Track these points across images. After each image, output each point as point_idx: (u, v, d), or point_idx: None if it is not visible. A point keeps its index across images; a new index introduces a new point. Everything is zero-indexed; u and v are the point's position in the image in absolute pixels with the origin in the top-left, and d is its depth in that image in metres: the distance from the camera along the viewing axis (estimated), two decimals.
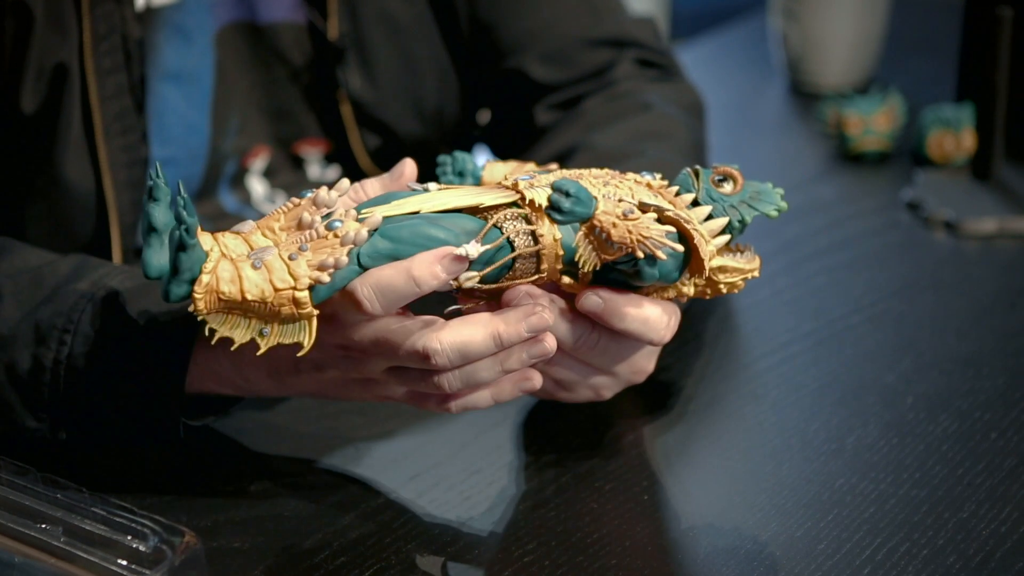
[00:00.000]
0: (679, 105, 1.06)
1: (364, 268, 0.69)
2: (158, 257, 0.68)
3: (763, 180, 0.78)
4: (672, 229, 0.72)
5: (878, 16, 1.47)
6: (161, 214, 0.68)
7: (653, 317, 0.75)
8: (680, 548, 0.75)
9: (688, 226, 0.73)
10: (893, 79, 1.45)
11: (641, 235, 0.71)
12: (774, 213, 0.76)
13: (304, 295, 0.68)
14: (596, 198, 0.72)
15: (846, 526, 0.77)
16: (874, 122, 1.29)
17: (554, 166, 0.80)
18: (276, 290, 0.68)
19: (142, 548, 0.68)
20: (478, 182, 0.80)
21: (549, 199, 0.71)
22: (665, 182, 0.76)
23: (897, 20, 1.51)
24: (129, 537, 0.68)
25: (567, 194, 0.71)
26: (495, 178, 0.80)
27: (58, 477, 0.73)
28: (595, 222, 0.71)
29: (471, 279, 0.72)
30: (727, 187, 0.76)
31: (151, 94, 0.98)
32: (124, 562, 0.67)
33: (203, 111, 1.01)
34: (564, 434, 0.85)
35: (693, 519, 0.78)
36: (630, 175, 0.76)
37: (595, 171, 0.76)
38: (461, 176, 0.80)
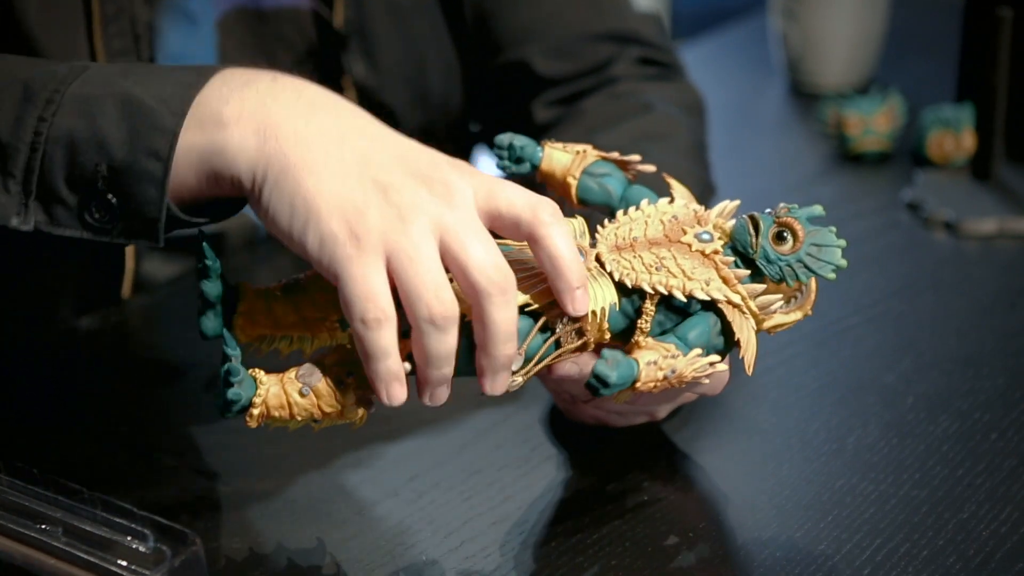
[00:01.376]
0: (679, 105, 1.06)
1: None
2: (213, 324, 0.72)
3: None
4: (716, 358, 0.71)
5: (878, 16, 1.47)
6: (213, 288, 0.72)
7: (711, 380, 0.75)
8: (680, 549, 0.75)
9: (735, 321, 0.71)
10: (893, 79, 1.45)
11: (682, 382, 0.71)
12: (831, 276, 0.73)
13: (352, 414, 0.71)
14: (638, 369, 0.69)
15: (846, 527, 0.77)
16: (874, 122, 1.29)
17: (614, 153, 0.78)
18: (324, 414, 0.70)
19: (142, 549, 0.68)
20: (536, 167, 0.78)
21: (588, 382, 0.69)
22: (720, 246, 0.73)
23: (897, 20, 1.51)
24: (129, 538, 0.68)
25: (605, 384, 0.69)
26: (553, 166, 0.77)
27: (58, 477, 0.73)
28: (633, 391, 0.70)
29: (515, 384, 0.71)
30: (787, 244, 0.73)
31: None
32: (124, 563, 0.67)
33: None
34: (564, 435, 0.85)
35: (692, 520, 0.78)
36: (689, 234, 0.73)
37: (652, 232, 0.73)
38: (519, 163, 0.78)
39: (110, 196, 0.72)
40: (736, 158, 1.24)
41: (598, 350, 0.72)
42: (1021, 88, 1.21)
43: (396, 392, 0.69)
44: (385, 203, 0.68)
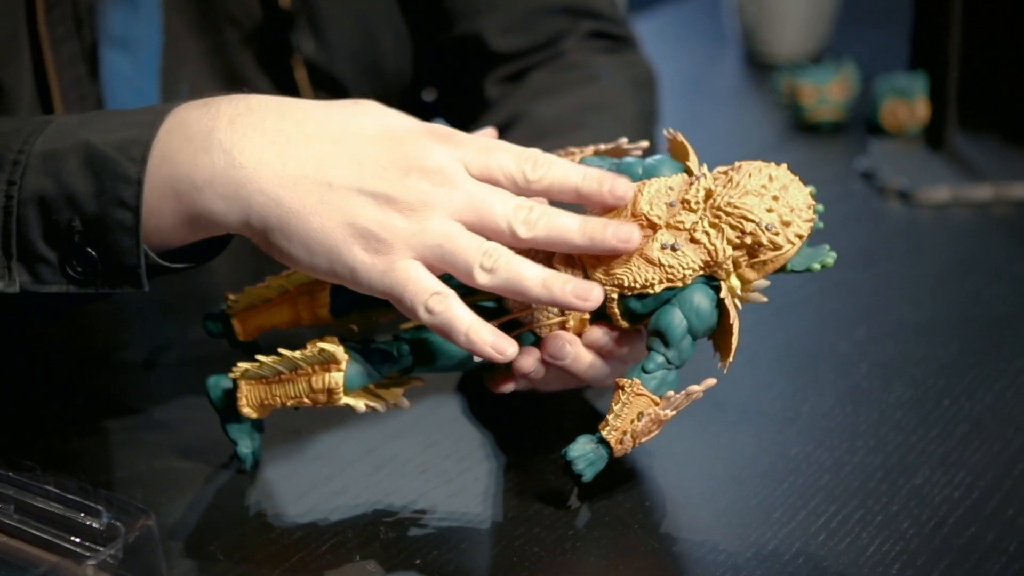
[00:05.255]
0: (628, 77, 1.06)
1: None
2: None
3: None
4: (696, 388, 0.73)
5: None
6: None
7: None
8: (636, 517, 0.76)
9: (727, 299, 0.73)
10: (847, 49, 1.45)
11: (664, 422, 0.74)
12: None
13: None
14: (609, 452, 0.73)
15: (801, 494, 0.77)
16: (828, 92, 1.29)
17: (601, 145, 0.80)
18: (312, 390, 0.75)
19: (95, 525, 0.67)
20: None
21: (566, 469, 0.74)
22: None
23: None
24: (82, 514, 0.68)
25: (580, 477, 0.73)
26: None
27: (11, 454, 0.72)
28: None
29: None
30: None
31: (100, 61, 0.97)
32: (77, 539, 0.67)
33: (151, 78, 1.00)
34: (520, 407, 0.85)
35: (649, 488, 0.79)
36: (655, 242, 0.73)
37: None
38: None
39: (88, 249, 0.72)
40: (691, 129, 1.24)
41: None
42: (973, 57, 1.22)
43: (503, 344, 0.71)
44: (394, 213, 0.71)
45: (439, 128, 0.73)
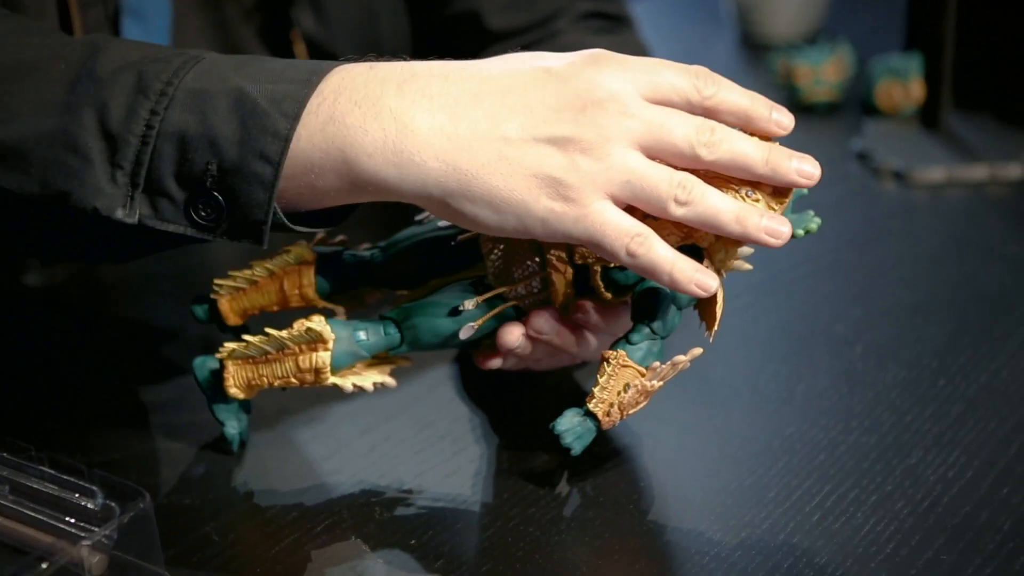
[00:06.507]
0: None
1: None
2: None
3: None
4: (681, 358, 0.73)
5: None
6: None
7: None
8: (631, 497, 0.76)
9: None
10: (842, 29, 1.45)
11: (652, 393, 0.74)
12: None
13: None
14: (597, 425, 0.74)
15: (796, 473, 0.77)
16: (823, 72, 1.29)
17: None
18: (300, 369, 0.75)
19: (90, 506, 0.67)
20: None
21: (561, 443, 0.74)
22: None
23: None
24: (77, 495, 0.68)
25: (569, 450, 0.74)
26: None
27: (5, 434, 0.72)
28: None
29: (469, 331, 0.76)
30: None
31: (121, 29, 0.97)
32: (72, 520, 0.67)
33: None
34: (515, 388, 0.85)
35: (644, 469, 0.79)
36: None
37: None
38: None
39: (218, 195, 0.70)
40: None
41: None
42: (968, 37, 1.22)
43: (706, 280, 0.70)
44: (577, 154, 0.69)
45: (598, 53, 0.71)
